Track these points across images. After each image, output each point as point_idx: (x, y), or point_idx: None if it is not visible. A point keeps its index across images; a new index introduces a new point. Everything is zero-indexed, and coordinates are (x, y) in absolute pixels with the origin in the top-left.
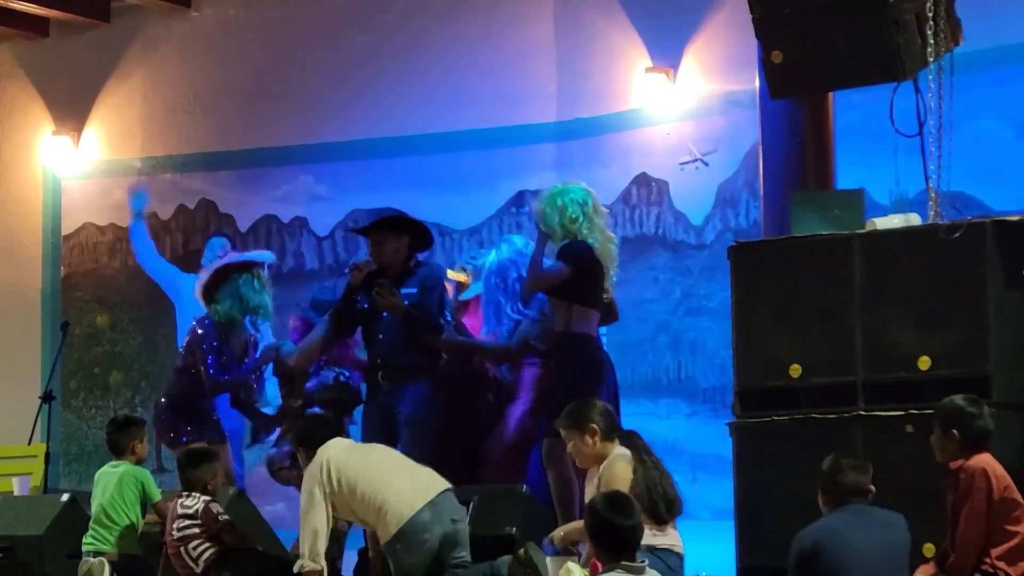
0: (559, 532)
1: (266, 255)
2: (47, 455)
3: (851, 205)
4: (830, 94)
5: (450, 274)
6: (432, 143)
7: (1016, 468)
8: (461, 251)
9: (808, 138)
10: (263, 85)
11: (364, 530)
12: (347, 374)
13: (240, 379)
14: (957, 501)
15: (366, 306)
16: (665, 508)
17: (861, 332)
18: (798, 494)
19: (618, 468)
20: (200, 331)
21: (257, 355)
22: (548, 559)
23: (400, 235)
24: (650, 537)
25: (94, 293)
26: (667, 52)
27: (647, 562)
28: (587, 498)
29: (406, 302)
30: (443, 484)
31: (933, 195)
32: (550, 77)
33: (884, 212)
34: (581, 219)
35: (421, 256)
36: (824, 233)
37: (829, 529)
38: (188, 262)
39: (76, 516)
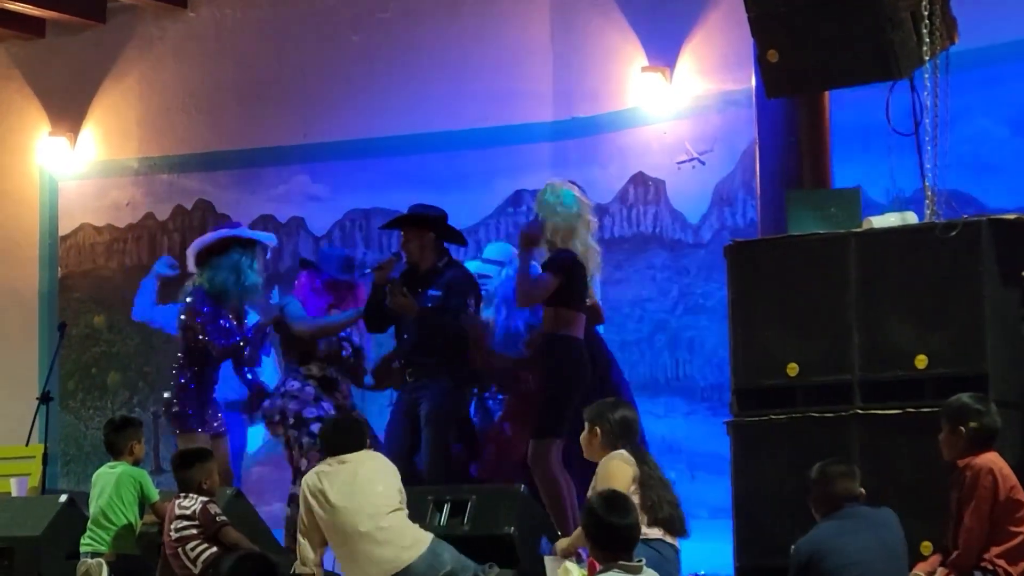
0: (563, 543)
1: (271, 237)
2: (45, 456)
3: (847, 204)
4: (826, 93)
5: None
6: (428, 143)
7: (1013, 466)
8: (458, 250)
9: (804, 137)
10: (259, 85)
11: None
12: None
13: (243, 338)
14: (962, 499)
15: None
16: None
17: (858, 331)
18: (796, 493)
19: (612, 465)
20: (191, 302)
21: (258, 320)
22: (547, 558)
23: (423, 231)
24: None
25: (91, 294)
26: (663, 51)
27: (644, 561)
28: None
29: (429, 303)
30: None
31: (929, 193)
32: (546, 76)
33: (880, 211)
34: (570, 223)
35: (461, 254)
36: (820, 232)
37: (824, 537)
38: (186, 263)
39: (74, 517)
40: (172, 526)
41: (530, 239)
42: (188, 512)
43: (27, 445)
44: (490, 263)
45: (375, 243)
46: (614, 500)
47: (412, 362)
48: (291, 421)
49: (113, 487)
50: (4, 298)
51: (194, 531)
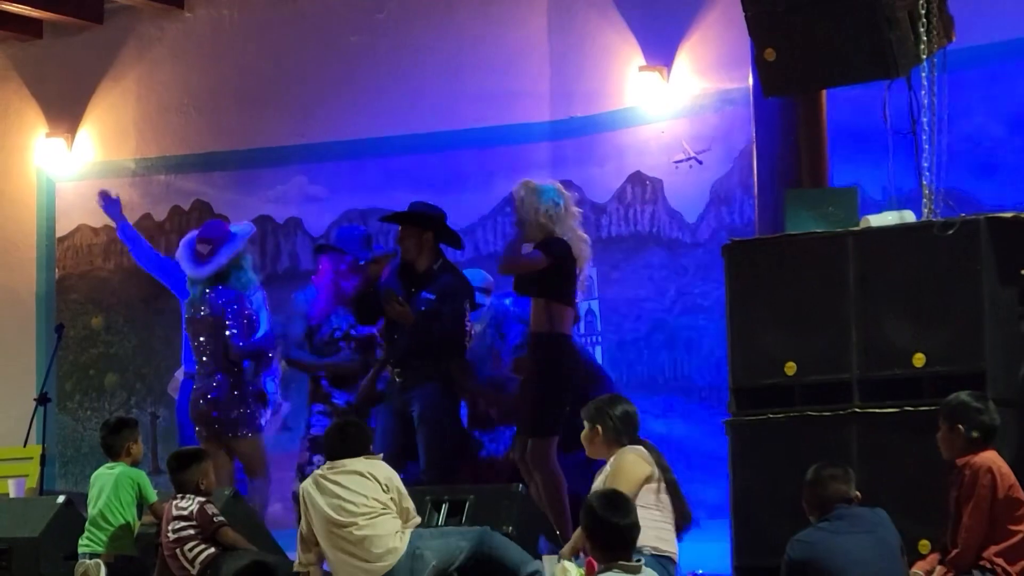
0: (566, 548)
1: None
2: (43, 457)
3: (845, 203)
4: (823, 92)
5: None
6: (426, 143)
7: (1012, 464)
8: (455, 250)
9: (802, 136)
10: (256, 85)
11: None
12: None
13: (263, 346)
14: (961, 497)
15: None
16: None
17: (856, 329)
18: (794, 492)
19: (627, 458)
20: (218, 300)
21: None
22: (545, 558)
23: (420, 230)
24: (657, 540)
25: (89, 295)
26: (661, 50)
27: (643, 561)
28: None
29: (423, 307)
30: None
31: (927, 192)
32: (544, 76)
33: (878, 209)
34: (556, 214)
35: (457, 256)
36: (818, 231)
37: (818, 537)
38: None
39: (72, 518)
40: (170, 527)
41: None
42: (186, 513)
43: (25, 446)
44: (479, 291)
45: (373, 243)
46: (614, 499)
47: (403, 364)
48: None
49: (111, 488)
50: (1, 299)
51: (192, 531)
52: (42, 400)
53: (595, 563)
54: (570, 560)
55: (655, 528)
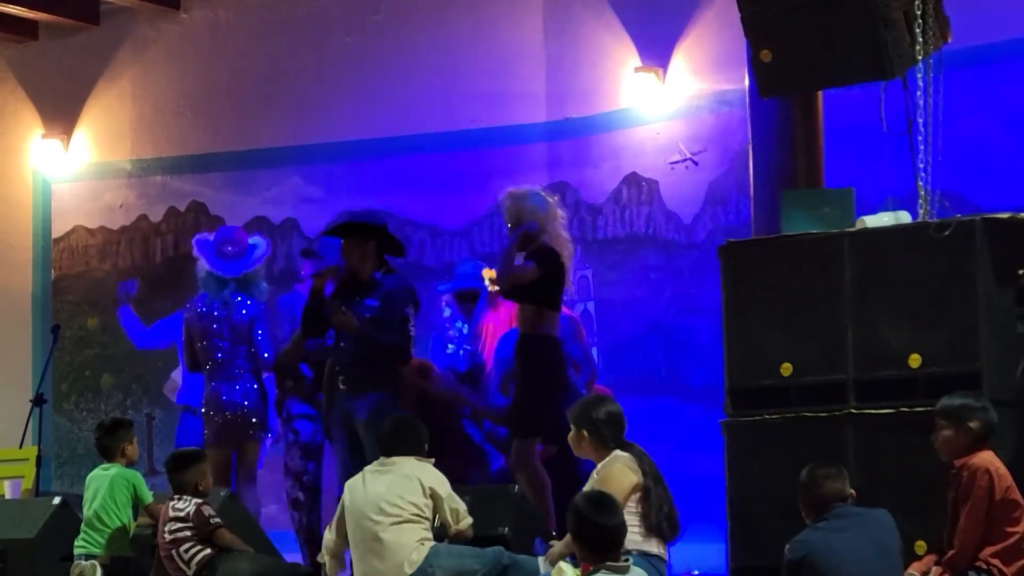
0: (554, 551)
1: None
2: (39, 458)
3: (841, 204)
4: (819, 93)
5: (484, 273)
6: (422, 144)
7: (1007, 465)
8: (451, 251)
9: (798, 137)
10: (252, 87)
11: None
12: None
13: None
14: (958, 498)
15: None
16: (668, 528)
17: (852, 330)
18: (790, 493)
19: (614, 468)
20: (253, 310)
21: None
22: (540, 559)
23: (363, 240)
24: (643, 543)
25: (84, 296)
26: (656, 52)
27: (631, 561)
28: None
29: (367, 314)
30: None
31: (923, 193)
32: (540, 77)
33: (874, 210)
34: (541, 218)
35: (400, 263)
36: (814, 232)
37: (816, 538)
38: (179, 264)
39: (68, 519)
40: (166, 528)
41: (527, 239)
42: (182, 514)
43: (21, 448)
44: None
45: None
46: (600, 501)
47: (347, 372)
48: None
49: (107, 489)
50: None
51: (188, 533)
52: (38, 401)
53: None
54: (566, 561)
55: (641, 535)
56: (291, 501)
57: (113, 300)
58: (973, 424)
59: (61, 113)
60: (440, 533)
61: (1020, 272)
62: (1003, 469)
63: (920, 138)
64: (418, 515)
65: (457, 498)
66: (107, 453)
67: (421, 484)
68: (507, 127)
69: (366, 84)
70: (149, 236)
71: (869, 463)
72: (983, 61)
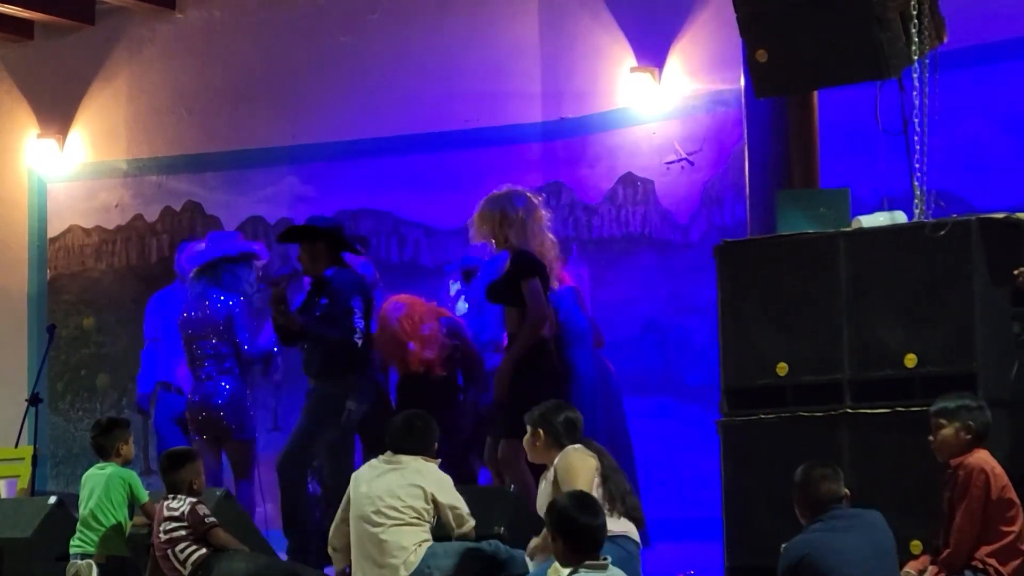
0: (533, 546)
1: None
2: (34, 458)
3: (836, 203)
4: (815, 93)
5: None
6: (417, 143)
7: (1003, 464)
8: (447, 251)
9: (793, 137)
10: (248, 86)
11: None
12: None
13: (270, 347)
14: (954, 498)
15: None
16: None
17: (848, 330)
18: (786, 492)
19: (574, 457)
20: (226, 303)
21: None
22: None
23: (312, 242)
24: (613, 524)
25: (80, 296)
26: (652, 51)
27: (610, 559)
28: (539, 496)
29: (318, 312)
30: None
31: (918, 193)
32: (535, 77)
33: (870, 210)
34: (513, 218)
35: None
36: (810, 232)
37: (813, 540)
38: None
39: (63, 519)
40: (161, 527)
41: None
42: (177, 513)
43: (16, 447)
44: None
45: (364, 243)
46: (584, 500)
47: (305, 368)
48: None
49: (102, 488)
50: None
51: (183, 532)
52: (33, 400)
53: None
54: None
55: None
56: None
57: (108, 300)
58: (970, 424)
59: (57, 113)
60: (441, 533)
61: (1016, 272)
62: (999, 469)
63: (916, 138)
64: (418, 518)
65: (460, 501)
66: (103, 452)
67: (423, 490)
68: (503, 127)
69: (362, 84)
70: (145, 236)
71: (865, 463)
72: (979, 61)
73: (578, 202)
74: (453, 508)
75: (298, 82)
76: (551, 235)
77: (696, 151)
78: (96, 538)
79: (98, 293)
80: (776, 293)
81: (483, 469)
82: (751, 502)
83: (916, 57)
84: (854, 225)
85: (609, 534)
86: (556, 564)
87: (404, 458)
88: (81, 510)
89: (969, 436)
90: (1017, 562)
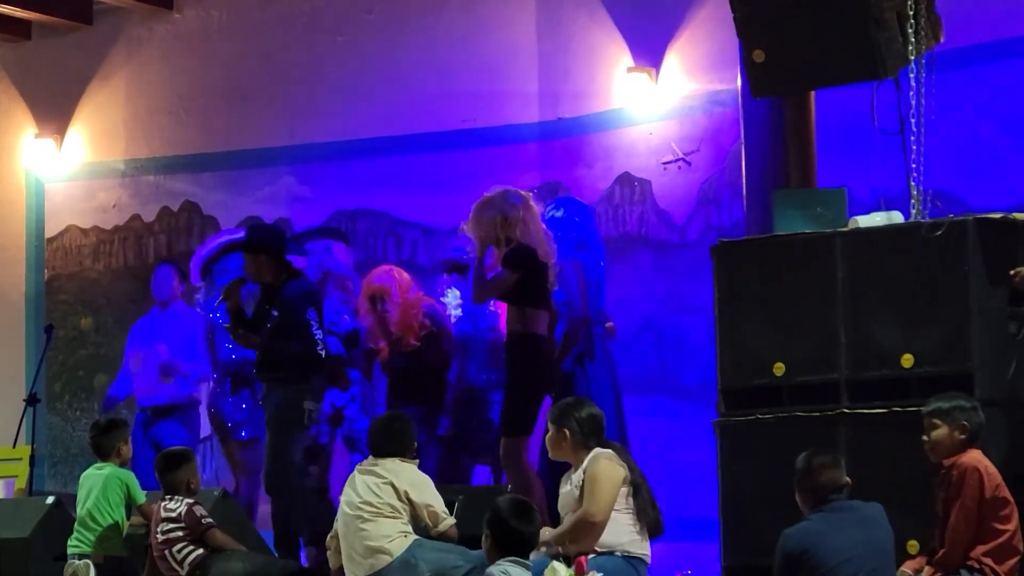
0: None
1: None
2: (32, 458)
3: (833, 203)
4: (812, 93)
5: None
6: (414, 143)
7: (999, 465)
8: (444, 251)
9: (790, 137)
10: (245, 86)
11: None
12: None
13: None
14: (948, 497)
15: (248, 315)
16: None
17: (844, 330)
18: (783, 492)
19: (602, 464)
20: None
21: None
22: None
23: (255, 253)
24: (628, 540)
25: (78, 296)
26: (649, 52)
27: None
28: (561, 498)
29: (269, 323)
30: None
31: (915, 193)
32: (532, 77)
33: (866, 210)
34: (511, 219)
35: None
36: (807, 232)
37: (812, 532)
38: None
39: (61, 518)
40: (158, 528)
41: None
42: (174, 514)
43: (14, 447)
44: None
45: (360, 244)
46: (522, 507)
47: (259, 377)
48: None
49: (100, 488)
50: None
51: (180, 533)
52: (31, 401)
53: (584, 562)
54: (560, 561)
55: (628, 532)
56: None
57: (106, 300)
58: (964, 424)
59: (54, 113)
60: (424, 534)
61: (1012, 272)
62: (992, 468)
63: (912, 138)
64: (394, 514)
65: (436, 500)
66: (102, 452)
67: (395, 488)
68: (500, 127)
69: (359, 84)
70: (142, 236)
71: (861, 463)
72: (975, 61)
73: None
74: (427, 506)
75: (295, 82)
76: (544, 226)
77: (693, 151)
78: (94, 538)
79: (96, 293)
80: (773, 293)
81: (478, 467)
82: (748, 502)
83: (913, 57)
84: (851, 225)
85: (627, 554)
86: (554, 564)
87: (382, 461)
88: (79, 510)
89: (963, 436)
90: (1013, 561)
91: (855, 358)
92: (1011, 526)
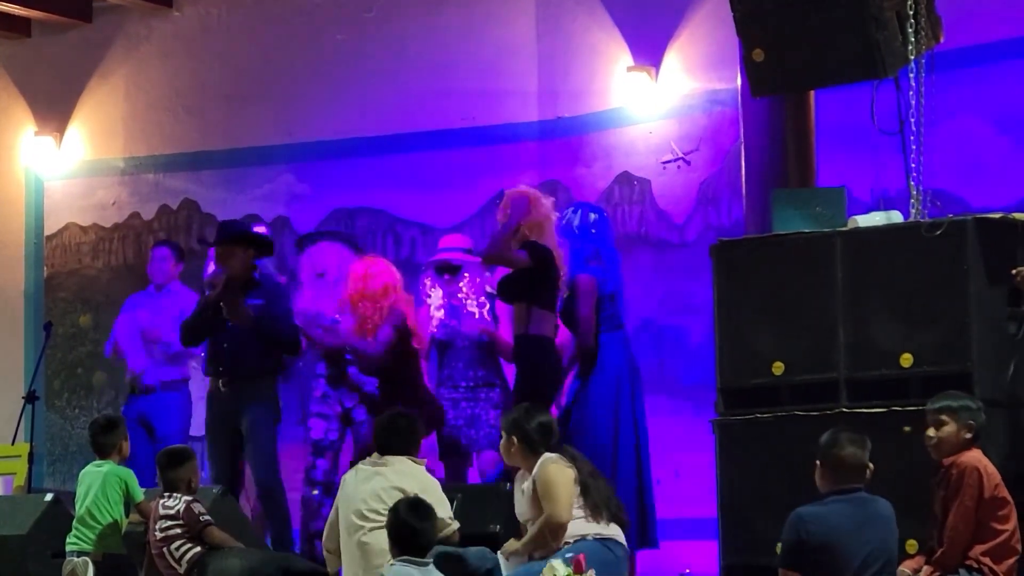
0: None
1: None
2: (31, 455)
3: (833, 203)
4: (811, 92)
5: None
6: (413, 142)
7: (998, 465)
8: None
9: (790, 136)
10: (245, 84)
11: None
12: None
13: None
14: (948, 497)
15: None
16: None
17: (843, 329)
18: (781, 491)
19: (550, 468)
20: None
21: None
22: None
23: (247, 247)
24: (595, 527)
25: (77, 293)
26: (649, 51)
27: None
28: (516, 502)
29: (254, 312)
30: None
31: (914, 193)
32: (532, 76)
33: (866, 210)
34: (536, 223)
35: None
36: (806, 231)
37: (834, 526)
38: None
39: (60, 516)
40: (157, 526)
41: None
42: (172, 512)
43: (13, 444)
44: None
45: (359, 242)
46: (419, 506)
47: (231, 371)
48: None
49: (99, 486)
50: None
51: (179, 531)
52: (30, 398)
53: (582, 560)
54: (558, 559)
55: (587, 526)
56: (301, 499)
57: (105, 298)
58: (971, 423)
59: (54, 110)
60: None
61: (1014, 271)
62: (991, 467)
63: (912, 138)
64: None
65: (444, 506)
66: (103, 451)
67: (405, 492)
68: (499, 126)
69: (358, 82)
70: (141, 234)
71: None
72: (975, 61)
73: (574, 201)
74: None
75: (295, 80)
76: (559, 238)
77: (692, 150)
78: (92, 536)
79: (95, 291)
80: (772, 292)
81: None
82: (747, 501)
83: (912, 57)
84: (850, 224)
85: (598, 536)
86: (552, 562)
87: (389, 458)
88: (77, 508)
89: (968, 436)
90: (1011, 560)
91: (854, 357)
92: (1010, 526)
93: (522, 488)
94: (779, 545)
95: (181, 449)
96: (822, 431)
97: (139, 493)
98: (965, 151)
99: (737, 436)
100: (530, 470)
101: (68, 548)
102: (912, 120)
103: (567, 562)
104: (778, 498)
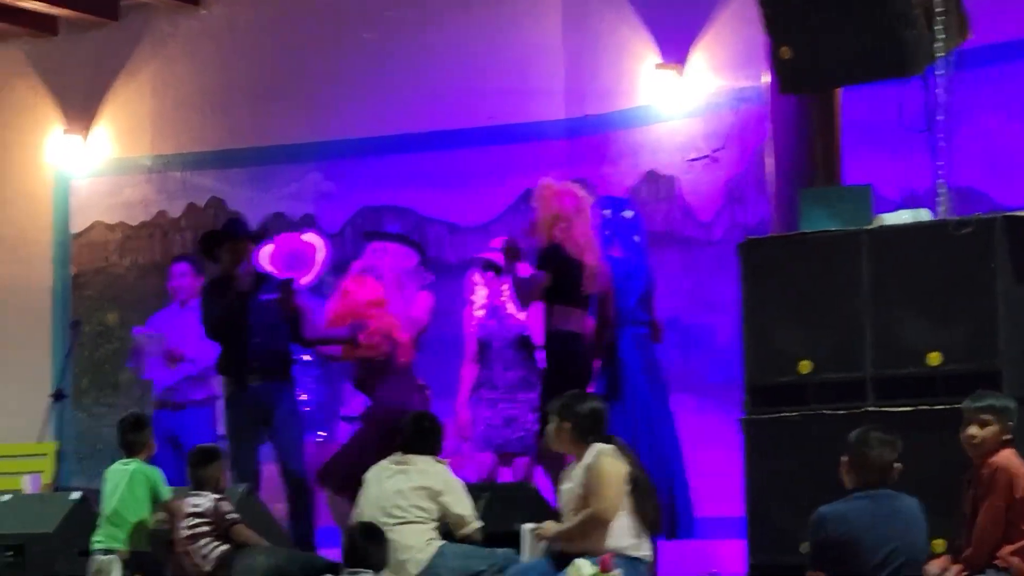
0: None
1: None
2: (58, 453)
3: (860, 201)
4: (839, 90)
5: None
6: (440, 140)
7: None
8: (469, 248)
9: (816, 134)
10: (272, 82)
11: None
12: None
13: None
14: (979, 496)
15: (217, 312)
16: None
17: (871, 328)
18: (808, 490)
19: (604, 460)
20: None
21: None
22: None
23: (244, 241)
24: (629, 540)
25: (104, 291)
26: (676, 48)
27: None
28: (560, 496)
29: (271, 306)
30: None
31: (942, 191)
32: (558, 74)
33: (893, 208)
34: (565, 215)
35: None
36: (833, 229)
37: (855, 522)
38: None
39: (86, 514)
40: (184, 524)
41: (512, 253)
42: (200, 510)
43: (40, 442)
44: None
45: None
46: (373, 531)
47: (262, 366)
48: None
49: (126, 484)
50: (17, 296)
51: (206, 528)
52: (57, 396)
53: (609, 560)
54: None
55: (627, 535)
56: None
57: (132, 296)
58: (1010, 425)
59: (81, 108)
60: (448, 532)
61: None
62: (1023, 468)
63: (940, 135)
64: (423, 517)
65: (466, 502)
66: (131, 448)
67: (430, 490)
68: (526, 124)
69: (384, 80)
70: (169, 232)
71: None
72: (1003, 58)
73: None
74: (457, 509)
75: (321, 78)
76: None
77: (720, 148)
78: (119, 534)
79: (122, 289)
80: (799, 291)
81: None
82: (774, 500)
83: (940, 54)
84: (877, 223)
85: (628, 554)
86: (577, 561)
87: (412, 458)
88: (104, 506)
89: (1007, 437)
90: None
91: (881, 356)
92: None
93: (571, 478)
94: (803, 545)
95: (211, 447)
96: (849, 430)
97: (165, 491)
98: (993, 148)
99: (764, 434)
100: (578, 457)
101: (94, 546)
102: (940, 117)
103: (594, 562)
104: (805, 497)
